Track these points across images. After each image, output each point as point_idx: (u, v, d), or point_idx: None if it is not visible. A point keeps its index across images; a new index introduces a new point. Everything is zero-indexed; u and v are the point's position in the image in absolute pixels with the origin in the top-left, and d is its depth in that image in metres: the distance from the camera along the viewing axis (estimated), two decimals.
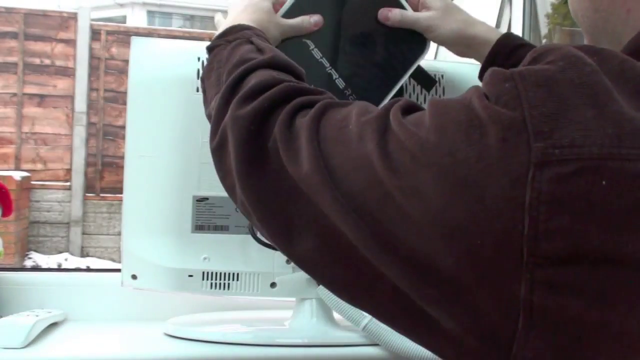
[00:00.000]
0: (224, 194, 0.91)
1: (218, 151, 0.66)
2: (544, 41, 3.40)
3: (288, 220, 0.57)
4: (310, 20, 0.86)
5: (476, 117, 0.44)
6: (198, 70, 0.89)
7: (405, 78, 0.90)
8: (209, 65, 0.75)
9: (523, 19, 3.31)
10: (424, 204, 0.45)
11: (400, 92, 0.91)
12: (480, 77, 0.91)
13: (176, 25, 9.44)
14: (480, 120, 0.44)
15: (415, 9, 0.90)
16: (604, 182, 0.40)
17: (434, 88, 0.98)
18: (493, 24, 3.25)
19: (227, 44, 0.74)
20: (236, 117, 0.61)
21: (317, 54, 0.87)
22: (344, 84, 0.88)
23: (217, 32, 0.82)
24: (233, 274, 0.91)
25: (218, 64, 0.73)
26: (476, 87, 0.48)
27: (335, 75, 0.87)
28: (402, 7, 0.89)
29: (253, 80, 0.64)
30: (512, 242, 0.41)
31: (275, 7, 0.86)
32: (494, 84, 0.46)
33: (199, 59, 0.90)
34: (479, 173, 0.43)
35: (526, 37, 3.31)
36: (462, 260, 0.43)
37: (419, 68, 0.91)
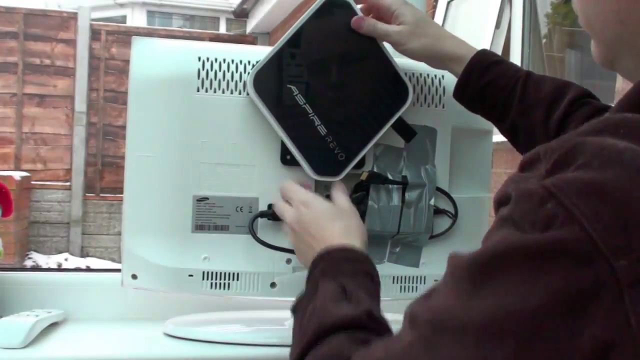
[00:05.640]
0: (224, 193, 0.91)
1: None
2: (544, 41, 3.40)
3: None
4: None
5: (536, 256, 0.37)
6: (198, 70, 0.89)
7: (386, 128, 0.91)
8: (292, 336, 0.68)
9: (523, 19, 3.32)
10: None
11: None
12: (456, 95, 0.90)
13: (176, 25, 9.44)
14: (541, 258, 0.37)
15: (388, 22, 0.90)
16: None
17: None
18: (493, 24, 3.25)
19: (307, 303, 0.68)
20: None
21: (300, 100, 0.88)
22: (326, 131, 0.89)
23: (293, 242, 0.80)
24: (233, 274, 0.91)
25: (294, 337, 0.66)
26: (505, 231, 0.40)
27: (317, 121, 0.88)
28: (385, 56, 0.91)
29: None
30: None
31: None
32: (530, 211, 0.39)
33: (199, 58, 0.90)
34: (565, 317, 0.37)
35: (526, 37, 3.32)
36: None
37: (400, 119, 0.92)
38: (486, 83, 0.87)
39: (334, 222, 0.79)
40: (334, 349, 0.59)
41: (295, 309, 0.71)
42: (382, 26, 0.89)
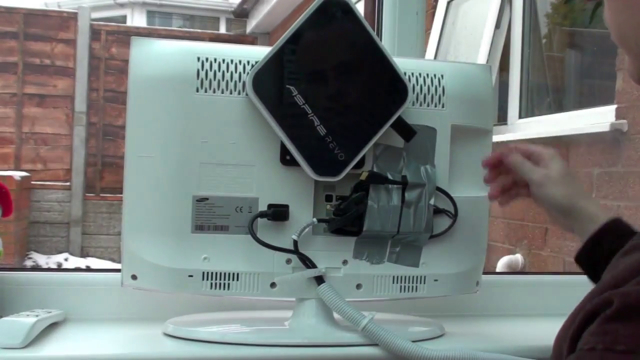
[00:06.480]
0: (224, 193, 0.91)
1: None
2: (544, 41, 3.40)
3: None
4: None
5: None
6: (198, 70, 0.89)
7: (385, 128, 0.91)
8: None
9: (523, 19, 3.32)
10: None
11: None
12: (580, 255, 0.86)
13: (176, 25, 9.44)
14: None
15: (535, 163, 0.90)
16: None
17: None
18: (493, 24, 3.25)
19: None
20: None
21: (299, 100, 0.88)
22: (326, 131, 0.89)
23: None
24: (233, 274, 0.91)
25: None
26: None
27: (317, 122, 0.88)
28: (384, 56, 0.90)
29: None
30: None
31: None
32: None
33: (198, 58, 0.90)
34: None
35: (526, 37, 3.32)
36: None
37: (400, 118, 0.92)
38: (614, 251, 0.81)
39: None
40: None
41: None
42: (529, 165, 0.90)
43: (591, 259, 0.84)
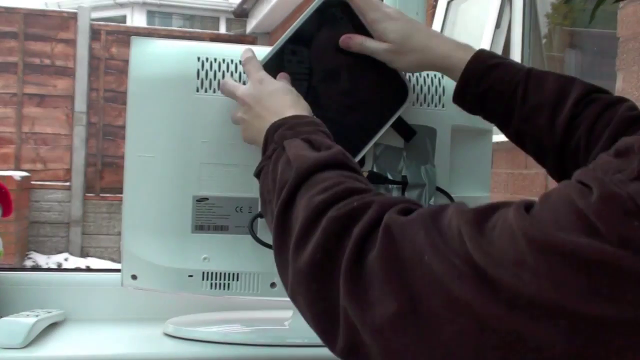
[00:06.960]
0: (224, 194, 0.91)
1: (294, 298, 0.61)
2: (544, 41, 3.40)
3: None
4: None
5: (605, 272, 0.37)
6: (198, 70, 0.89)
7: (386, 128, 0.91)
8: (261, 197, 0.73)
9: (523, 19, 3.32)
10: None
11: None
12: (454, 101, 0.87)
13: (176, 25, 9.44)
14: (612, 278, 0.37)
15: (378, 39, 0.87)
16: None
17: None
18: (493, 24, 3.25)
19: (268, 162, 0.72)
20: (297, 272, 0.59)
21: None
22: None
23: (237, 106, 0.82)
24: (233, 274, 0.91)
25: (268, 195, 0.70)
26: (580, 216, 0.39)
27: None
28: (384, 65, 0.89)
29: (298, 215, 0.60)
30: None
31: None
32: (614, 223, 0.37)
33: (198, 58, 0.90)
34: None
35: (526, 37, 3.32)
36: None
37: (400, 118, 0.92)
38: (484, 91, 0.83)
39: (285, 95, 0.80)
40: (328, 181, 0.61)
41: (260, 171, 0.73)
42: (370, 44, 0.87)
43: (464, 104, 0.86)
